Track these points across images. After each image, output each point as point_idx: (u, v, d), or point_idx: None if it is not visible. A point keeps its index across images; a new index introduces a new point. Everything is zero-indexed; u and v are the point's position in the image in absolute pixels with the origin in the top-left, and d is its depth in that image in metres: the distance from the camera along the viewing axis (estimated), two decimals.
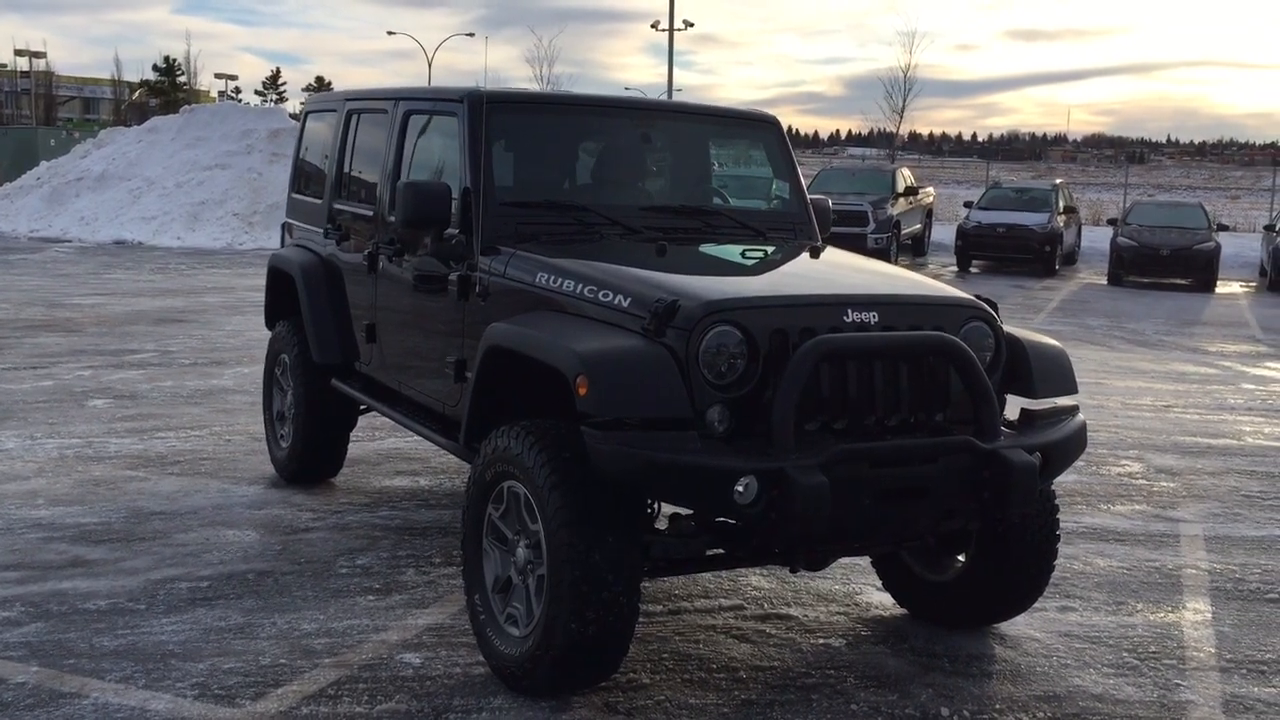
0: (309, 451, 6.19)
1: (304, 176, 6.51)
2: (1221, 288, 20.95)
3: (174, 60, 74.19)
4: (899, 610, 4.86)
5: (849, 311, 3.82)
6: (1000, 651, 4.51)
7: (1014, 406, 4.21)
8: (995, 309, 4.18)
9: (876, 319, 3.84)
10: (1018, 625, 4.73)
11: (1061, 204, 22.90)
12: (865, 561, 5.17)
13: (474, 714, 3.80)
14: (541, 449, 3.70)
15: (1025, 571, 4.45)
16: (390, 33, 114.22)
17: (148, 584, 4.83)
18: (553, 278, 4.15)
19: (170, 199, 22.76)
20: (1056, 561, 4.57)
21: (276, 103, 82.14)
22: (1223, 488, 7.10)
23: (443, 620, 4.55)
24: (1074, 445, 4.14)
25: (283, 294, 6.32)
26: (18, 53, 71.92)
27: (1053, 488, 4.48)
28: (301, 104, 7.09)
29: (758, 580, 5.15)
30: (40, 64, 71.65)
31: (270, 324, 6.55)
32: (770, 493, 3.45)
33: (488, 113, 4.71)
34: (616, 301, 3.86)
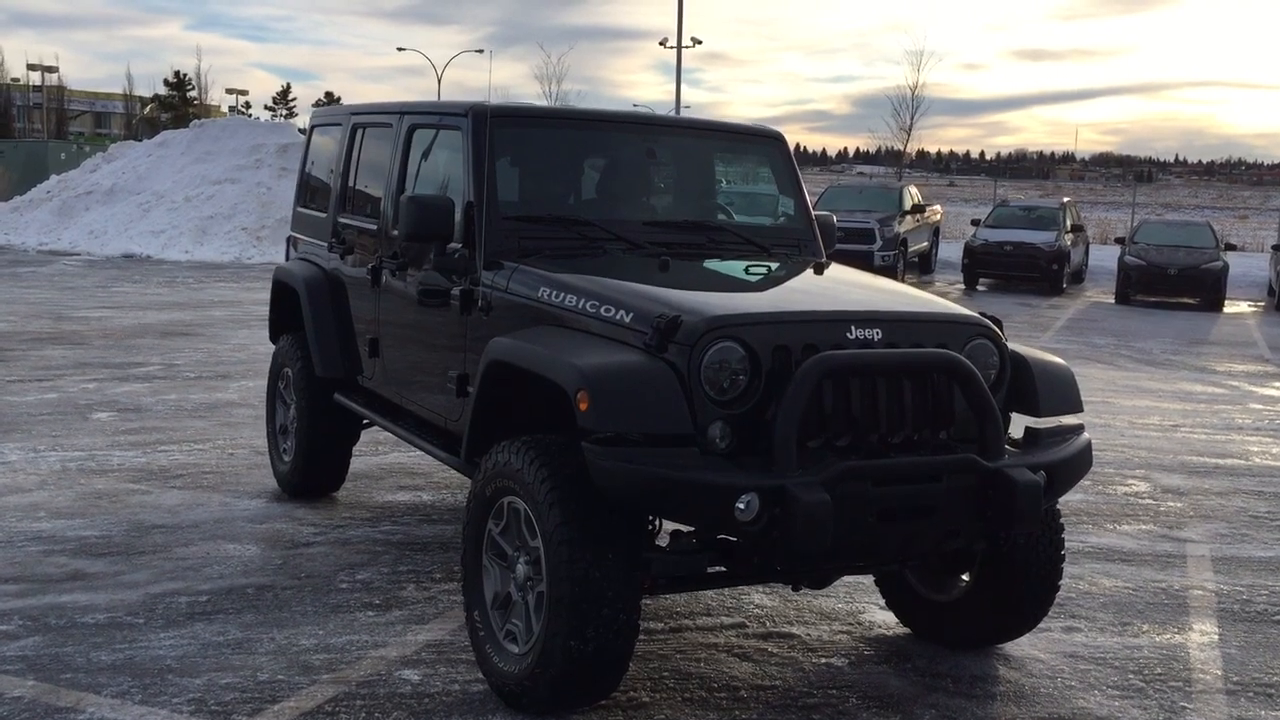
0: (311, 465, 6.18)
1: (309, 190, 6.52)
2: (1229, 307, 20.90)
3: (185, 75, 74.56)
4: (902, 630, 4.82)
5: (852, 328, 3.80)
6: (1004, 672, 4.47)
7: (1019, 425, 4.18)
8: (1000, 326, 4.16)
9: (880, 336, 3.81)
10: (1022, 646, 4.69)
11: (1069, 222, 22.85)
12: (868, 580, 5.13)
13: None
14: (542, 464, 3.68)
15: (1030, 591, 4.41)
16: (400, 49, 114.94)
17: (147, 598, 4.81)
18: (555, 293, 4.14)
19: (179, 213, 22.84)
20: (1062, 582, 4.53)
21: (286, 118, 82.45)
22: (1230, 508, 7.05)
23: (442, 637, 4.52)
24: (1079, 464, 4.10)
25: (287, 308, 6.32)
26: (30, 67, 72.35)
27: (1058, 507, 4.45)
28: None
29: (760, 598, 5.12)
30: (52, 78, 72.08)
31: (274, 338, 6.55)
32: (772, 510, 3.42)
33: (492, 127, 4.70)
34: (619, 317, 3.84)
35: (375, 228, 5.43)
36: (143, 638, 4.40)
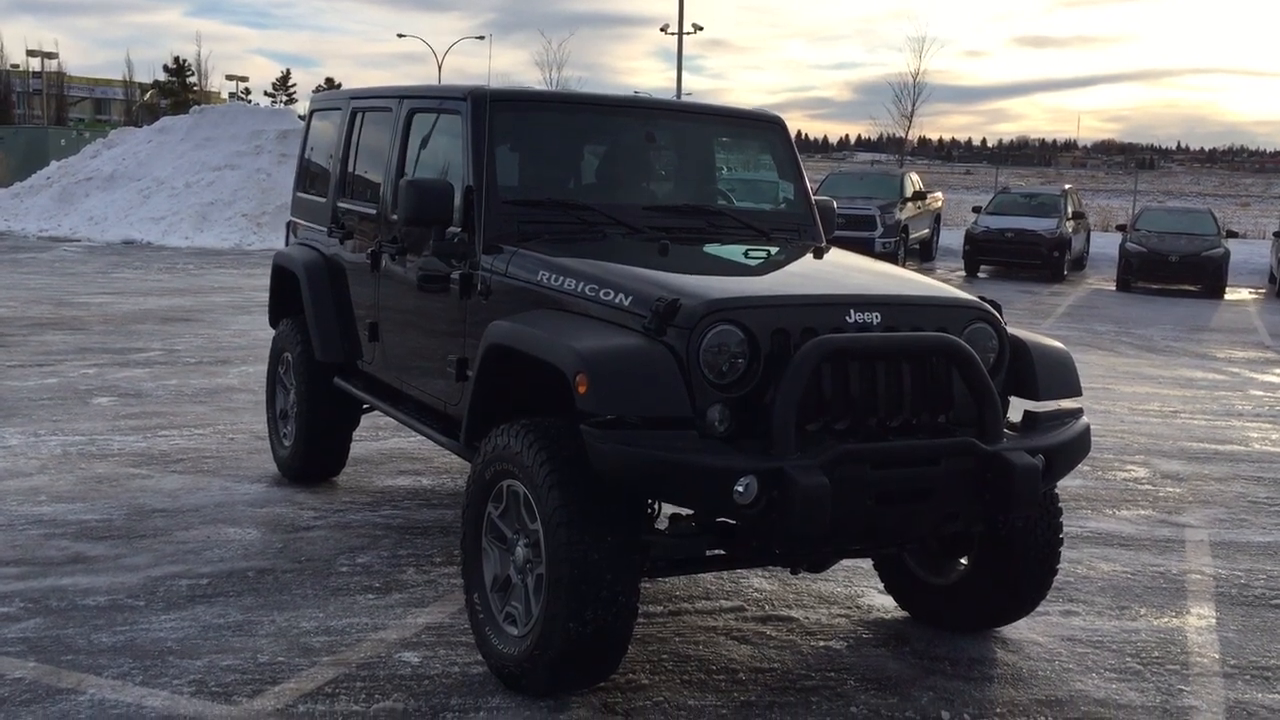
0: (311, 450, 6.19)
1: (309, 175, 6.51)
2: (1230, 294, 20.87)
3: (184, 61, 74.38)
4: (900, 613, 4.83)
5: (851, 312, 3.80)
6: (1002, 655, 4.48)
7: (1017, 409, 4.18)
8: (999, 310, 4.16)
9: (879, 319, 3.81)
10: (1020, 629, 4.70)
11: (1070, 209, 22.83)
12: (867, 564, 5.14)
13: (471, 713, 3.78)
14: (541, 447, 3.68)
15: (1028, 575, 4.42)
16: (401, 35, 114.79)
17: (147, 581, 4.82)
18: (554, 276, 4.14)
19: (179, 199, 22.82)
20: (1060, 565, 4.54)
21: (286, 104, 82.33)
22: (1229, 493, 7.06)
23: (442, 619, 4.54)
24: (1077, 448, 4.11)
25: (287, 292, 6.32)
26: (30, 53, 72.18)
27: (1056, 491, 4.46)
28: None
29: (759, 582, 5.13)
30: (52, 65, 71.95)
31: (274, 322, 6.55)
32: (770, 493, 3.43)
33: (491, 111, 4.70)
34: (618, 300, 3.84)
35: (375, 212, 5.42)
36: (143, 620, 4.42)
